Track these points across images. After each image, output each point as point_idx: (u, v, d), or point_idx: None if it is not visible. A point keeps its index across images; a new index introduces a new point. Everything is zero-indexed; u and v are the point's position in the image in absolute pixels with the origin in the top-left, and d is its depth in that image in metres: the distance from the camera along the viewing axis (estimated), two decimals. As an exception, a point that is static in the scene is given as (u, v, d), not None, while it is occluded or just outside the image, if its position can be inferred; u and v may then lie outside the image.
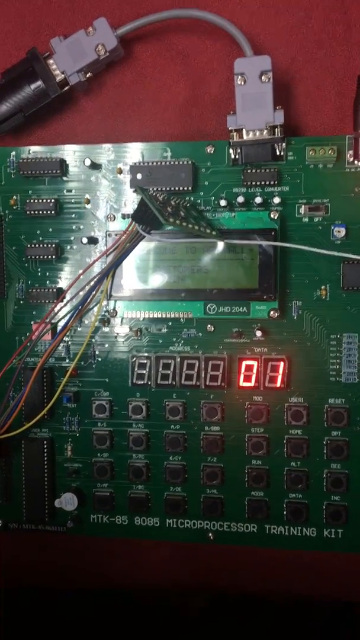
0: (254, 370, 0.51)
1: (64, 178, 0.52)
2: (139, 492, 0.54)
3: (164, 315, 0.51)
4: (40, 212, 0.52)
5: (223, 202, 0.50)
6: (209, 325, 0.51)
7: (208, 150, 0.50)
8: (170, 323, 0.52)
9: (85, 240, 0.52)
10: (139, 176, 0.50)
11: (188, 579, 0.58)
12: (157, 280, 0.50)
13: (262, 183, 0.49)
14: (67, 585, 0.60)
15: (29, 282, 0.54)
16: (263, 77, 0.48)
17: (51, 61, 0.51)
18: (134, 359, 0.52)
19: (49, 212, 0.52)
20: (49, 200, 0.52)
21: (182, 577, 0.58)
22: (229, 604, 0.64)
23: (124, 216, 0.51)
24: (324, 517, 0.52)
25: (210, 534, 0.53)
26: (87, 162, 0.51)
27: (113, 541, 0.57)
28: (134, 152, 0.51)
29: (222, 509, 0.53)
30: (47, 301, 0.53)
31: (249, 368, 0.51)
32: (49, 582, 0.60)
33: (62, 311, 0.53)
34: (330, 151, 0.49)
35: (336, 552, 0.53)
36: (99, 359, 0.53)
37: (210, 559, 0.57)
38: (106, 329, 0.53)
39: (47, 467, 0.54)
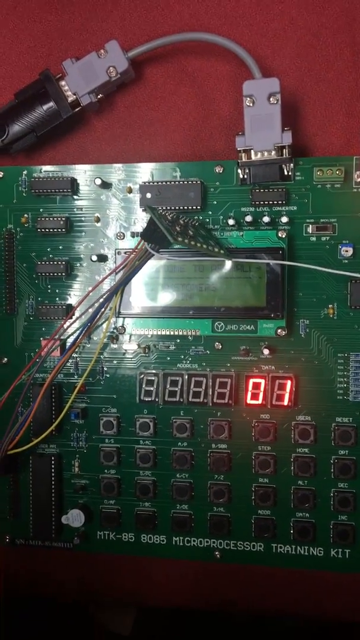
0: (261, 388, 0.51)
1: (75, 197, 0.53)
2: (146, 509, 0.54)
3: (172, 333, 0.51)
4: (51, 230, 0.53)
5: (231, 221, 0.50)
6: (216, 343, 0.52)
7: (217, 170, 0.51)
8: (178, 340, 0.52)
9: (94, 257, 0.52)
10: (148, 195, 0.51)
11: (194, 597, 0.57)
12: (166, 298, 0.51)
13: (270, 202, 0.50)
14: (73, 601, 0.60)
15: (39, 299, 0.54)
16: (271, 99, 0.48)
17: (63, 82, 0.52)
18: (142, 375, 0.53)
19: (59, 230, 0.53)
20: (59, 218, 0.53)
21: (188, 595, 0.57)
22: (235, 623, 0.63)
23: (133, 234, 0.52)
24: (331, 536, 0.51)
25: (217, 553, 0.53)
26: (98, 181, 0.52)
27: (119, 558, 0.57)
28: (144, 171, 0.52)
29: (229, 528, 0.53)
30: (56, 318, 0.53)
31: (256, 386, 0.51)
32: (56, 597, 0.60)
33: (71, 328, 0.53)
34: (337, 172, 0.49)
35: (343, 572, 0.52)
36: (107, 376, 0.54)
37: (217, 578, 0.56)
38: (114, 346, 0.53)
39: (54, 483, 0.54)
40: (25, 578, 0.59)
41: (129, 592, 0.58)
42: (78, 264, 0.54)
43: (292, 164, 0.50)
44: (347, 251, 0.50)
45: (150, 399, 0.52)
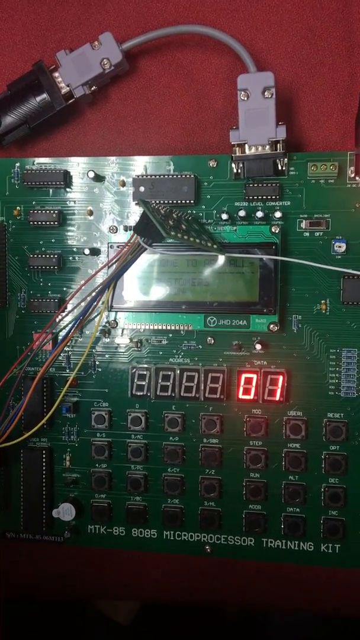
0: (253, 383, 0.51)
1: (68, 189, 0.53)
2: (137, 503, 0.54)
3: (164, 327, 0.51)
4: (44, 223, 0.53)
5: (225, 216, 0.50)
6: (209, 338, 0.52)
7: (210, 164, 0.51)
8: (171, 335, 0.52)
9: (87, 251, 0.52)
10: (141, 189, 0.51)
11: (185, 592, 0.57)
12: (158, 292, 0.51)
13: (264, 197, 0.50)
14: (63, 595, 0.60)
15: (31, 292, 0.54)
16: (266, 93, 0.48)
17: (57, 74, 0.52)
18: (134, 370, 0.52)
19: (52, 222, 0.53)
20: (52, 211, 0.53)
21: (179, 589, 0.58)
22: (226, 617, 0.63)
23: (126, 228, 0.52)
24: (321, 531, 0.51)
25: (207, 547, 0.53)
26: (91, 174, 0.52)
27: (110, 552, 0.57)
28: (137, 164, 0.52)
29: (219, 522, 0.53)
30: (48, 311, 0.53)
31: (248, 381, 0.51)
32: (46, 591, 0.60)
33: (64, 321, 0.53)
34: (331, 167, 0.49)
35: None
36: (99, 370, 0.54)
37: (208, 572, 0.56)
38: (107, 340, 0.53)
39: (45, 477, 0.54)
40: (16, 570, 0.59)
41: (120, 586, 0.58)
42: (70, 258, 0.53)
43: (286, 159, 0.49)
44: (340, 247, 0.49)
45: (142, 394, 0.52)
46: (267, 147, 0.48)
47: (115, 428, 0.53)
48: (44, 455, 0.54)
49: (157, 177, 0.51)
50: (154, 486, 0.53)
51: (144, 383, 0.52)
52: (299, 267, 0.50)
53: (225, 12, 0.54)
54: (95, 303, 0.52)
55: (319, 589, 0.55)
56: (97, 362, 0.54)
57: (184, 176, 0.50)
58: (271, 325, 0.50)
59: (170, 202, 0.51)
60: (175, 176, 0.50)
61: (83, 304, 0.52)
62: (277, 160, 0.49)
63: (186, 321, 0.51)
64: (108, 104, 0.56)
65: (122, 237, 0.52)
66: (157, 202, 0.50)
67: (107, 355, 0.53)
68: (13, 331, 0.54)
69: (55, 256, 0.53)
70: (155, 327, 0.51)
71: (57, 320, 0.53)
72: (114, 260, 0.51)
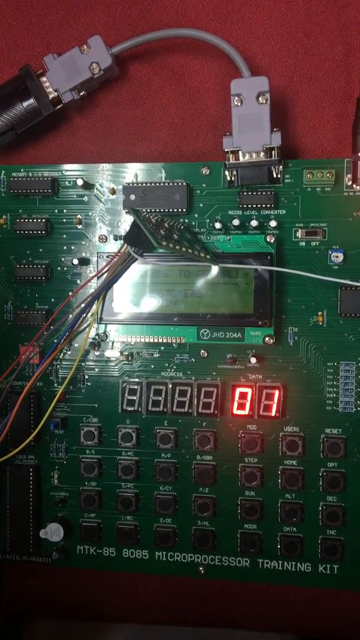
0: (248, 398, 0.50)
1: (56, 197, 0.51)
2: (128, 523, 0.52)
3: (155, 340, 0.50)
4: (31, 232, 0.51)
5: (218, 225, 0.49)
6: (202, 351, 0.50)
7: (203, 172, 0.49)
8: (163, 348, 0.51)
9: (76, 261, 0.51)
10: (132, 197, 0.49)
11: (178, 614, 0.56)
12: (150, 304, 0.49)
13: (259, 206, 0.49)
14: (52, 618, 0.58)
15: (18, 304, 0.52)
16: (260, 99, 0.47)
17: (44, 79, 0.51)
18: (125, 384, 0.51)
19: (39, 232, 0.51)
20: (39, 220, 0.51)
21: (172, 611, 0.56)
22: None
23: (116, 238, 0.50)
24: (319, 552, 0.50)
25: (201, 568, 0.52)
26: (80, 181, 0.50)
27: (100, 573, 0.55)
28: (128, 172, 0.51)
29: (213, 542, 0.51)
30: (35, 323, 0.52)
31: (243, 395, 0.50)
32: (34, 614, 0.58)
33: (51, 334, 0.51)
34: (328, 174, 0.48)
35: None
36: (89, 384, 0.52)
37: (201, 594, 0.55)
38: (96, 353, 0.52)
39: (32, 496, 0.52)
40: (2, 594, 0.58)
41: (110, 608, 0.57)
42: (59, 268, 0.52)
43: (281, 166, 0.48)
44: (337, 257, 0.48)
45: (133, 409, 0.51)
46: (262, 154, 0.47)
47: (105, 444, 0.52)
48: (31, 473, 0.52)
49: (148, 184, 0.49)
50: (146, 505, 0.52)
51: (135, 398, 0.51)
52: (295, 277, 0.48)
53: (218, 16, 0.52)
54: (84, 315, 0.50)
55: (316, 610, 0.54)
56: (86, 376, 0.52)
57: (175, 184, 0.49)
58: (266, 338, 0.48)
59: (162, 210, 0.49)
60: (166, 184, 0.49)
61: (71, 315, 0.50)
62: (272, 168, 0.48)
63: (178, 334, 0.49)
64: (97, 110, 0.54)
65: (112, 246, 0.50)
66: (148, 210, 0.49)
67: (96, 369, 0.52)
68: (-1, 344, 0.53)
69: (43, 266, 0.51)
70: (147, 340, 0.50)
71: (45, 332, 0.51)
72: (104, 271, 0.49)
